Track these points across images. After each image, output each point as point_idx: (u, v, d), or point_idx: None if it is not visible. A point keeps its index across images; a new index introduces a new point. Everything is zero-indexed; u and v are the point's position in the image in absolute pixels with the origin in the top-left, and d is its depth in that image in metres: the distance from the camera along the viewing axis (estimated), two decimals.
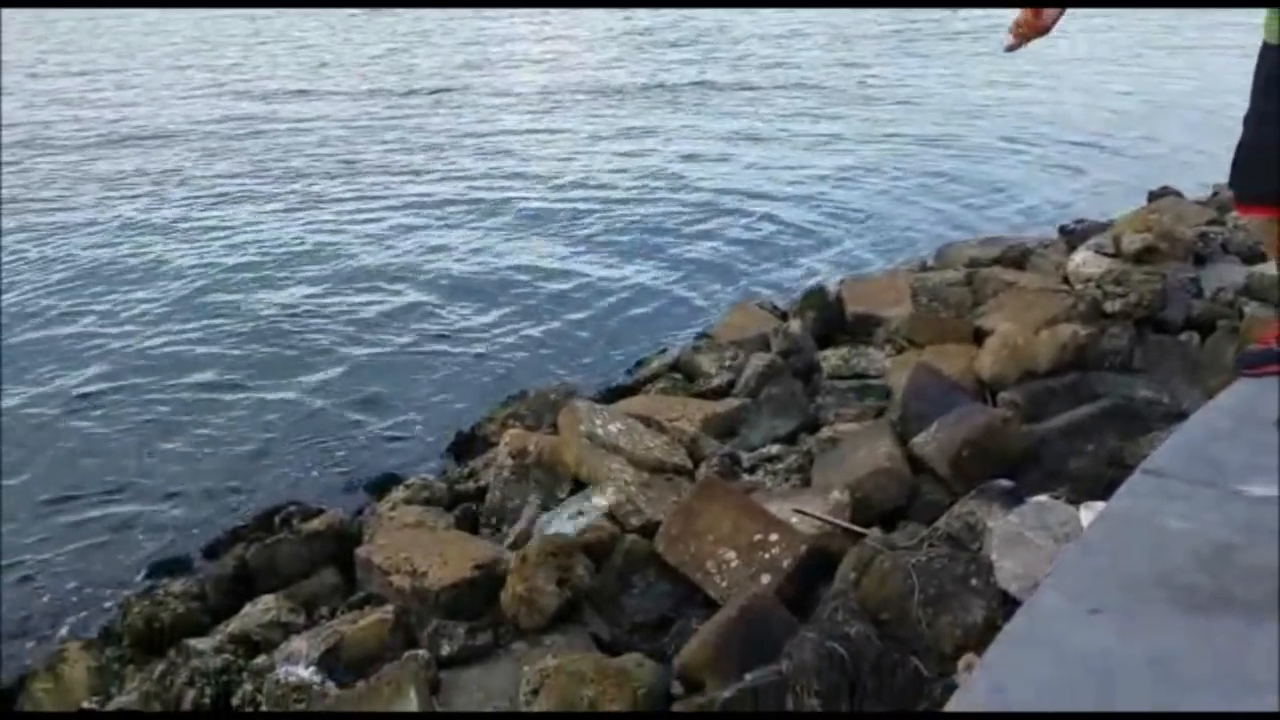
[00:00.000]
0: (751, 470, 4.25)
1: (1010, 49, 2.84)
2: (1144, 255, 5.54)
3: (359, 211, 10.18)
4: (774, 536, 3.37)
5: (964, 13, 22.34)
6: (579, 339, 7.04)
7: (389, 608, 3.47)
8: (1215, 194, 7.65)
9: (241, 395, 6.31)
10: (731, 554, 3.39)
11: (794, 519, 3.52)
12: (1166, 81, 14.95)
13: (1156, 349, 4.65)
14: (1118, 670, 2.02)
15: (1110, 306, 4.83)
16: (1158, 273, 5.20)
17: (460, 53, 20.51)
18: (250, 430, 5.87)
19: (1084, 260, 5.48)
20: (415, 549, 3.71)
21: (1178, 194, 7.77)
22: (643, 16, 24.53)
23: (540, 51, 20.59)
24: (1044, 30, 2.76)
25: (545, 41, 21.80)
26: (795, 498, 3.76)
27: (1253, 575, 2.25)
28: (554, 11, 25.72)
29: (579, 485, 4.12)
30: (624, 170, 11.46)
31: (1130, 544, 2.41)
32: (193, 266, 8.65)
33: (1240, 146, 2.93)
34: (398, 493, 4.57)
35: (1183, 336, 4.77)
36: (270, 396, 6.28)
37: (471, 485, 4.54)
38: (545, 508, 4.01)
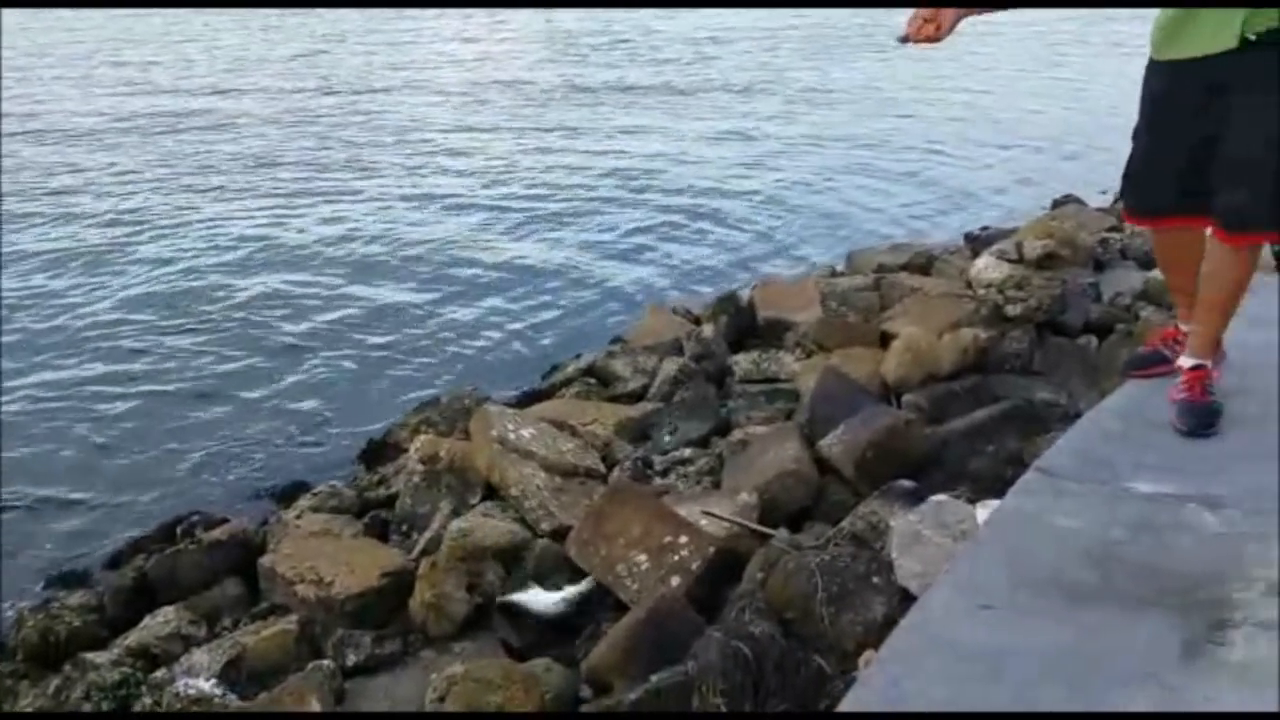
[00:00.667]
0: (664, 473, 4.27)
1: (902, 41, 2.75)
2: (1045, 261, 5.70)
3: (268, 211, 10.01)
4: (684, 539, 3.39)
5: (881, 13, 22.71)
6: (493, 344, 7.01)
7: (293, 618, 3.42)
8: (1116, 201, 7.91)
9: (141, 401, 6.15)
10: (642, 557, 3.41)
11: (703, 521, 3.55)
12: (1082, 87, 15.33)
13: (1056, 352, 4.79)
14: (1005, 665, 2.08)
15: (1011, 311, 4.96)
16: (1058, 278, 5.36)
17: (381, 53, 20.32)
18: (152, 438, 5.72)
19: (986, 266, 5.62)
20: (321, 558, 3.67)
21: (1080, 201, 8.03)
22: (565, 19, 24.54)
23: (462, 52, 20.47)
24: (937, 39, 2.69)
25: (468, 44, 21.68)
26: (706, 500, 3.80)
27: (1138, 571, 2.33)
28: (478, 14, 25.59)
29: (491, 491, 4.11)
30: (540, 173, 11.45)
31: (1021, 541, 2.48)
32: (88, 264, 8.41)
33: (1130, 160, 2.98)
34: (305, 500, 4.50)
35: (1081, 340, 4.92)
36: (172, 402, 6.14)
37: (382, 492, 4.49)
38: (456, 513, 3.99)
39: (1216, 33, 2.61)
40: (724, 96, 15.81)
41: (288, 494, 4.89)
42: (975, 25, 2.88)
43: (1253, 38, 2.57)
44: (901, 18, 2.79)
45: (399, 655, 3.27)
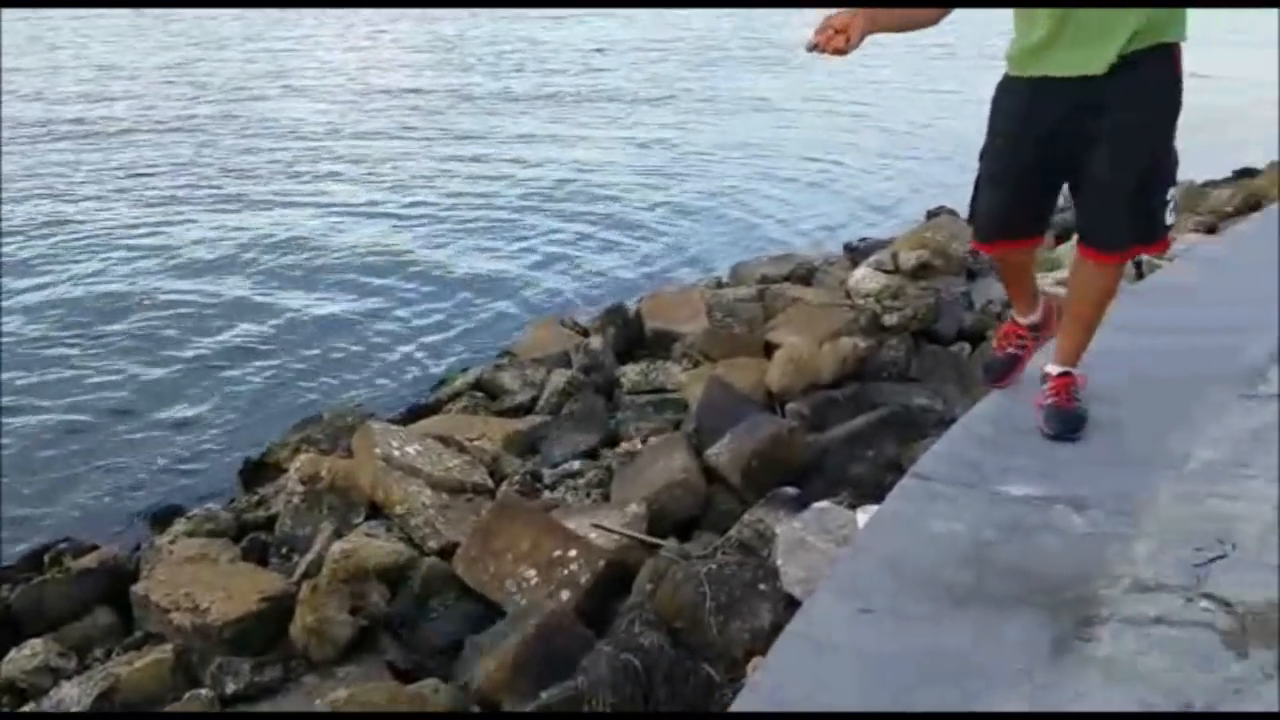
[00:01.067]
0: (553, 487, 4.26)
1: (810, 49, 2.62)
2: (920, 271, 5.88)
3: (143, 221, 9.67)
4: (573, 553, 3.39)
5: (777, 22, 23.09)
6: (377, 358, 6.89)
7: (168, 647, 3.30)
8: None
9: (8, 420, 5.86)
10: (531, 572, 3.39)
11: (593, 534, 3.55)
12: (952, 99, 15.80)
13: (931, 359, 4.94)
14: (885, 668, 2.13)
15: (888, 320, 5.11)
16: (932, 288, 5.54)
17: (261, 60, 19.82)
18: (18, 460, 5.45)
19: (864, 276, 5.77)
20: (197, 584, 3.54)
21: (952, 213, 8.28)
22: (449, 29, 24.32)
23: (345, 60, 20.11)
24: (845, 51, 2.58)
25: (351, 52, 21.30)
26: (595, 513, 3.80)
27: (1009, 572, 2.41)
28: (358, 23, 25.19)
29: (375, 510, 4.04)
30: (427, 182, 11.34)
31: (899, 546, 2.54)
32: None
33: (982, 188, 2.94)
34: (179, 525, 4.34)
35: (954, 347, 5.09)
36: (40, 422, 5.86)
37: (260, 514, 4.37)
38: (339, 534, 3.90)
39: (1093, 54, 2.60)
40: (611, 106, 15.88)
41: (161, 518, 4.71)
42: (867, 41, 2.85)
43: (1125, 57, 2.61)
44: (802, 22, 2.81)
45: (280, 682, 3.17)
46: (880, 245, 7.17)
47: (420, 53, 21.26)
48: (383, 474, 4.05)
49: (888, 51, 19.54)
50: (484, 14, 26.36)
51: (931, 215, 8.41)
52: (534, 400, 5.36)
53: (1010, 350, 3.32)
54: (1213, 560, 2.36)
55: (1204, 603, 2.23)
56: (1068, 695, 2.02)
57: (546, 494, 4.18)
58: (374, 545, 3.66)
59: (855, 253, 7.33)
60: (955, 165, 12.03)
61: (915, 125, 14.40)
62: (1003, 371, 3.34)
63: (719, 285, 7.03)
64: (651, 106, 15.87)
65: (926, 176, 11.74)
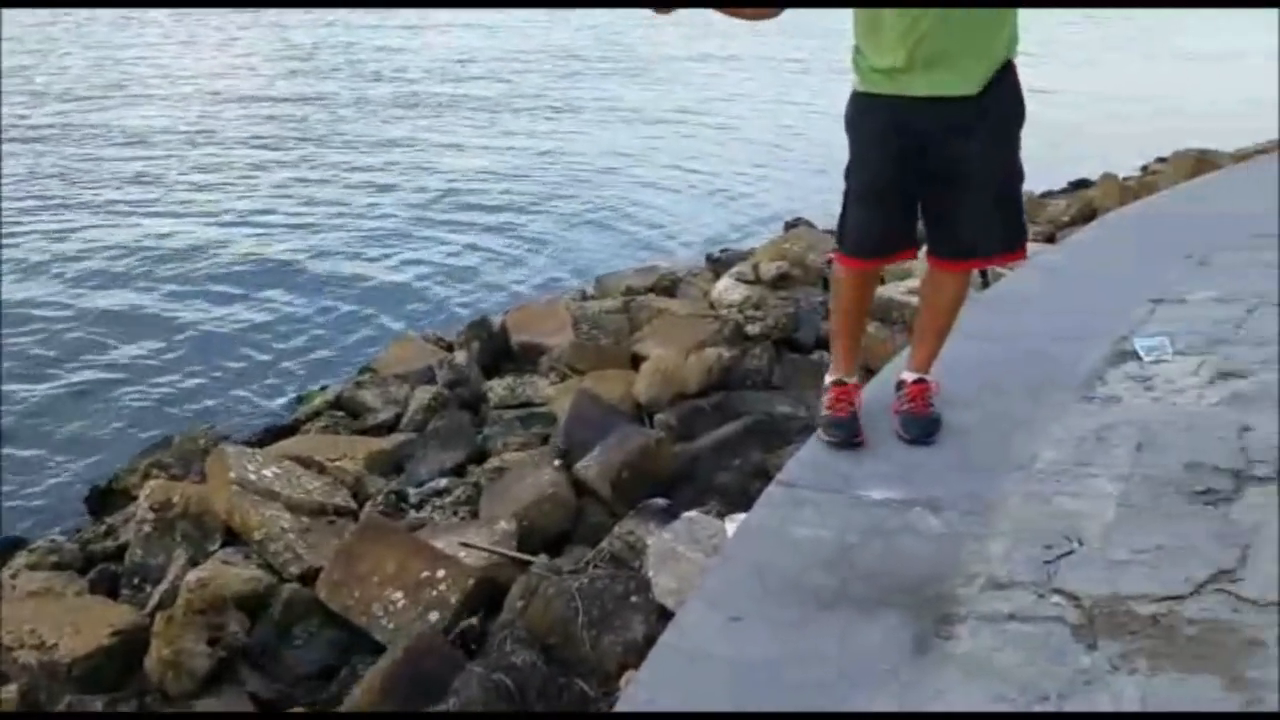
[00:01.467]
0: (419, 506, 4.19)
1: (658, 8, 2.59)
2: (780, 281, 6.01)
3: None
4: (441, 573, 3.34)
5: (640, 35, 23.22)
6: (230, 377, 6.65)
7: (13, 687, 3.11)
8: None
9: None
10: (398, 594, 3.33)
11: (462, 553, 3.50)
12: (807, 112, 16.19)
13: (792, 367, 5.05)
14: (755, 673, 2.16)
15: (751, 330, 5.21)
16: (792, 297, 5.67)
17: (106, 67, 18.89)
18: None
19: (726, 287, 5.87)
20: (42, 619, 3.36)
21: (809, 224, 8.50)
22: (302, 38, 23.72)
23: (196, 68, 19.37)
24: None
25: (201, 61, 20.53)
26: (463, 531, 3.75)
27: (871, 573, 2.48)
28: (206, 31, 24.33)
29: (232, 536, 3.90)
30: (280, 192, 11.03)
31: (765, 552, 2.59)
32: None
33: (851, 205, 2.94)
34: (21, 558, 4.10)
35: (814, 355, 5.22)
36: None
37: (109, 544, 4.17)
38: (194, 562, 3.75)
39: (964, 74, 2.68)
40: (473, 116, 15.74)
41: (1, 552, 4.44)
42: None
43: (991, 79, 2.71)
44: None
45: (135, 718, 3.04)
46: (741, 256, 7.30)
47: (274, 61, 20.66)
48: (239, 498, 3.91)
49: (745, 64, 20.05)
50: (339, 23, 25.82)
51: (789, 226, 8.61)
52: (397, 418, 5.26)
53: (851, 410, 3.12)
54: (1061, 557, 2.48)
55: (1054, 598, 2.33)
56: (929, 693, 2.09)
57: (412, 514, 4.11)
58: (231, 573, 3.53)
59: (717, 264, 7.45)
60: (811, 177, 12.36)
61: (772, 137, 14.70)
62: (856, 427, 3.09)
63: (584, 298, 7.05)
64: (513, 116, 15.81)
65: (784, 188, 12.01)
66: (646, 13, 2.69)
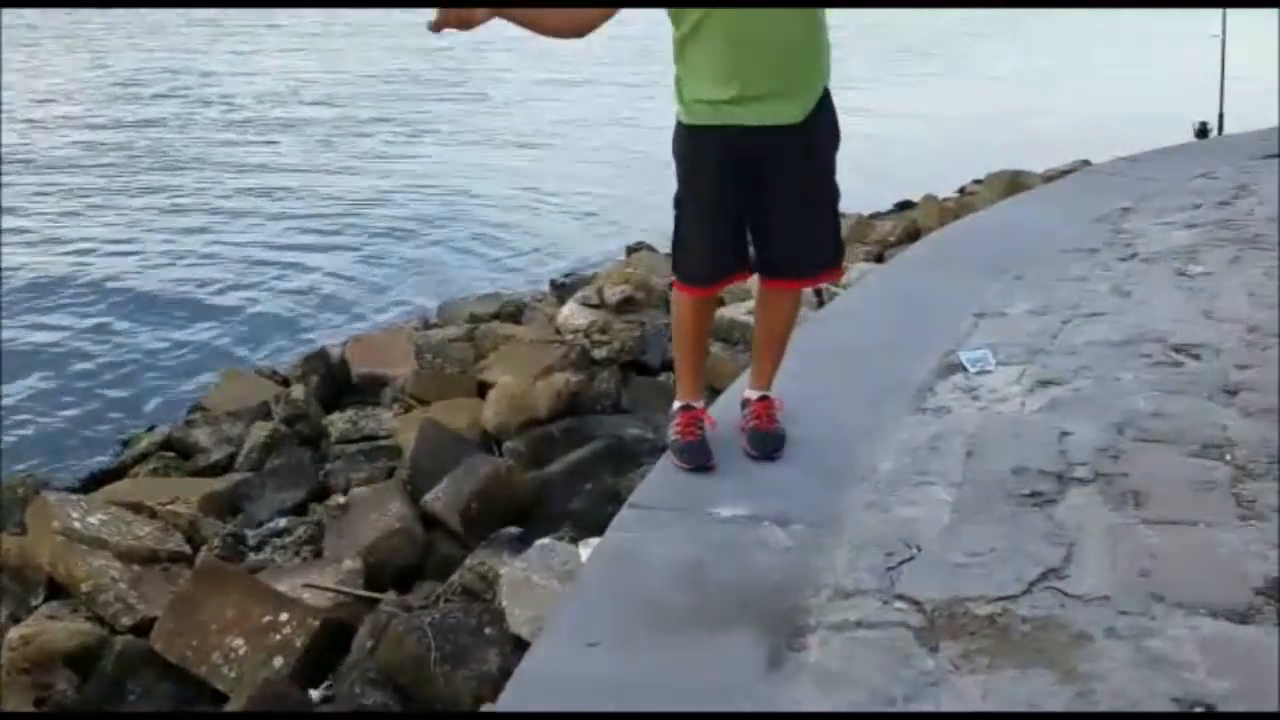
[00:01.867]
0: (259, 548, 4.05)
1: (434, 28, 2.59)
2: (624, 305, 6.06)
3: None
4: (285, 616, 3.22)
5: (477, 60, 23.04)
6: (50, 419, 6.27)
7: None
8: None
9: None
10: (239, 641, 3.19)
11: (306, 595, 3.39)
12: (646, 136, 16.43)
13: (640, 390, 5.10)
14: (615, 697, 2.16)
15: (598, 354, 5.23)
16: (637, 321, 5.72)
17: None
18: None
19: (572, 312, 5.89)
20: None
21: (651, 248, 8.61)
22: (125, 61, 22.68)
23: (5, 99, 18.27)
24: (472, 25, 2.61)
25: (13, 89, 19.36)
26: (307, 571, 3.64)
27: (724, 590, 2.52)
28: (20, 59, 22.98)
29: (57, 589, 3.67)
30: (99, 224, 10.50)
31: (620, 575, 2.59)
32: None
33: (683, 233, 2.98)
34: None
35: (661, 377, 5.27)
36: None
37: None
38: (16, 619, 3.52)
39: (789, 104, 2.79)
40: (306, 140, 15.37)
41: None
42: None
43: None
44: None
45: None
46: (585, 281, 7.33)
47: (96, 88, 19.70)
48: (63, 548, 3.68)
49: (585, 88, 20.19)
50: (159, 48, 24.85)
51: (632, 250, 8.70)
52: (232, 457, 5.07)
53: (700, 434, 3.12)
54: (902, 563, 2.57)
55: (898, 604, 2.41)
56: (786, 705, 2.13)
57: (252, 556, 3.96)
58: (58, 627, 3.33)
59: (562, 289, 7.46)
60: (651, 200, 12.50)
61: (613, 160, 14.83)
62: (707, 451, 3.09)
63: (427, 326, 6.95)
64: (349, 141, 15.50)
65: (625, 211, 12.10)
66: (465, 36, 2.70)
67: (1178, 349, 3.80)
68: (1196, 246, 5.08)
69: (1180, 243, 5.16)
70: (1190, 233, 5.33)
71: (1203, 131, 8.06)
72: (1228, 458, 2.99)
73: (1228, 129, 8.06)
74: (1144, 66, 21.46)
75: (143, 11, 29.71)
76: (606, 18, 2.80)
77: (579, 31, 2.84)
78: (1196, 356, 3.75)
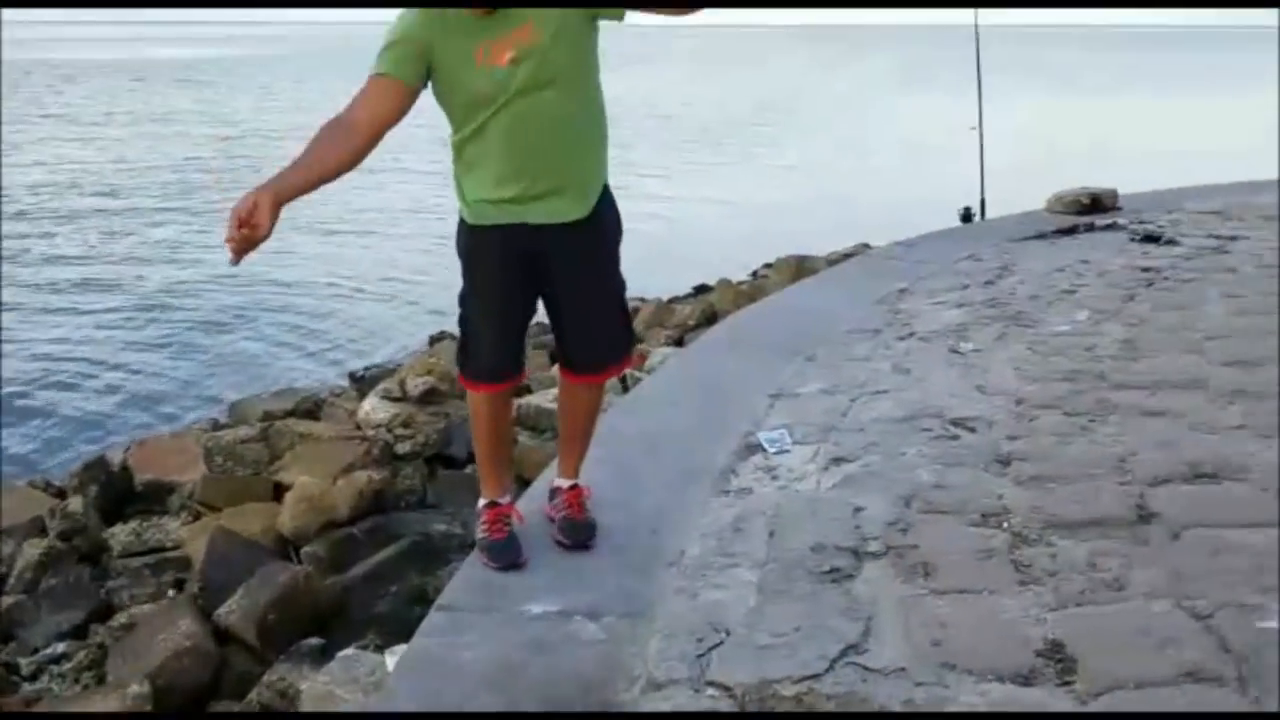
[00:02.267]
0: (34, 677, 3.77)
1: (235, 261, 2.35)
2: (428, 396, 5.98)
3: None
4: None
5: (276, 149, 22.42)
6: None
7: None
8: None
9: None
10: None
11: None
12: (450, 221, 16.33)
13: (447, 484, 5.03)
14: None
15: (401, 449, 5.14)
16: (442, 412, 5.65)
17: None
18: None
19: (373, 407, 5.76)
20: None
21: (455, 337, 8.54)
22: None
23: None
24: (262, 237, 2.35)
25: None
26: (89, 700, 3.38)
27: (536, 689, 2.48)
28: None
29: None
30: None
31: (429, 682, 2.52)
32: None
33: (470, 330, 2.99)
34: None
35: (468, 469, 5.21)
36: None
37: None
38: None
39: (573, 202, 2.83)
40: (84, 234, 14.58)
41: None
42: (365, 162, 2.77)
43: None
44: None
45: None
46: (387, 373, 7.20)
47: None
48: None
49: (382, 175, 20.02)
50: None
51: (435, 340, 8.63)
52: (2, 579, 4.67)
53: (508, 531, 3.11)
54: (712, 649, 2.60)
55: (709, 691, 2.44)
56: None
57: (26, 687, 3.66)
58: None
59: (362, 383, 7.30)
60: (455, 289, 12.47)
61: (416, 249, 14.73)
62: (516, 547, 3.08)
63: (217, 427, 6.64)
64: (137, 229, 14.79)
65: (428, 299, 12.01)
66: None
67: (954, 423, 4.04)
68: (966, 324, 5.44)
69: (952, 321, 5.52)
70: (960, 311, 5.71)
71: (967, 216, 8.68)
72: (1004, 525, 3.19)
73: (990, 213, 8.71)
74: (918, 152, 23.06)
75: None
76: (380, 137, 2.69)
77: (357, 158, 2.70)
78: (972, 429, 3.99)
